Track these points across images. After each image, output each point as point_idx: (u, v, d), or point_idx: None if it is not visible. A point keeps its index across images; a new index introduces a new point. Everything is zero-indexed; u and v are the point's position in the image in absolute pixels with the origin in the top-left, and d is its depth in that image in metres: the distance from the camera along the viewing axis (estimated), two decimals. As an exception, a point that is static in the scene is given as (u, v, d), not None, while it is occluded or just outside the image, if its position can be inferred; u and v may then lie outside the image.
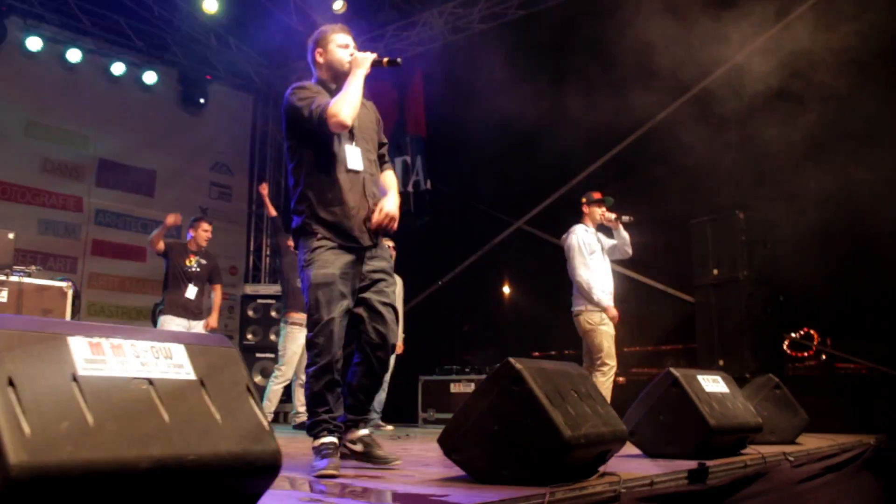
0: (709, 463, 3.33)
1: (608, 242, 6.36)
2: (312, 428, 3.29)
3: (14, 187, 9.51)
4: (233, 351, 1.83)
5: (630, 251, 6.29)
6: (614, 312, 6.08)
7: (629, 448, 3.97)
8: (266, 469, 1.69)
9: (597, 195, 6.37)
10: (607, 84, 7.85)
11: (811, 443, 4.81)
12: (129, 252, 10.48)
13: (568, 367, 3.09)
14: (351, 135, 3.51)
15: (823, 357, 7.15)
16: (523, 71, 8.44)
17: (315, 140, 3.43)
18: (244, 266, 11.89)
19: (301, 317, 7.10)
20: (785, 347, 7.24)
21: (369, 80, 3.54)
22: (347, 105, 3.32)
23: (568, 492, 2.44)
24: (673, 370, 3.78)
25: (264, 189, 7.96)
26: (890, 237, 6.50)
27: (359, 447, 3.45)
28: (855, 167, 6.42)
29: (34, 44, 9.69)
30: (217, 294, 7.41)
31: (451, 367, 8.76)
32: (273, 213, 8.06)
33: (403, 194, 10.42)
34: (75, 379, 1.47)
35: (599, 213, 6.28)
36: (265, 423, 1.74)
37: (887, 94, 6.65)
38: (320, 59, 3.64)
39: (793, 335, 7.23)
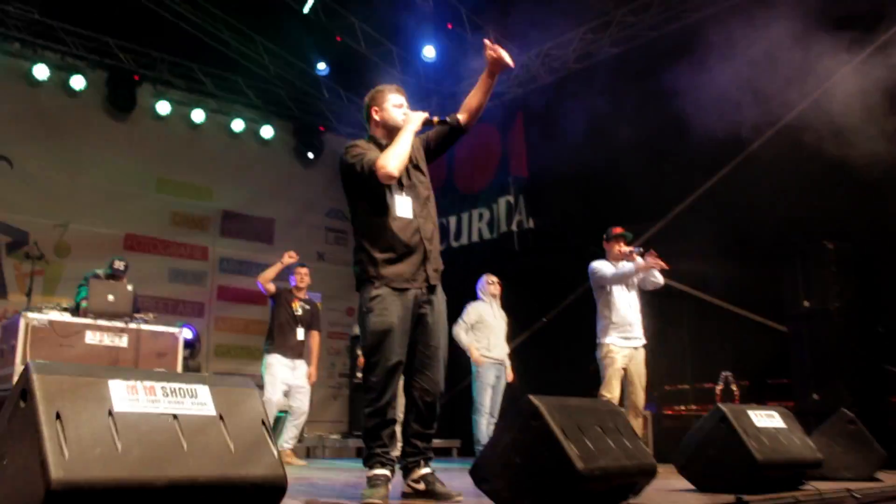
0: (752, 497, 3.43)
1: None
2: (367, 460, 3.59)
3: (147, 240, 10.45)
4: (252, 391, 2.18)
5: (659, 280, 6.23)
6: None
7: (683, 483, 4.08)
8: (272, 490, 2.02)
9: (616, 230, 6.38)
10: (697, 121, 7.91)
11: (892, 480, 4.73)
12: (251, 297, 11.19)
13: (598, 404, 3.29)
14: (400, 185, 3.77)
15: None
16: (617, 108, 8.64)
17: (368, 192, 3.72)
18: (360, 307, 12.38)
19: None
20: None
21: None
22: (395, 158, 3.59)
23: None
24: (721, 405, 3.88)
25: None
26: None
27: (421, 486, 3.62)
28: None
29: (163, 108, 10.66)
30: (315, 340, 7.66)
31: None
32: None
33: (507, 234, 10.80)
34: (111, 414, 1.85)
35: (618, 248, 6.32)
36: (274, 451, 2.07)
37: None
38: (376, 117, 3.92)
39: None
